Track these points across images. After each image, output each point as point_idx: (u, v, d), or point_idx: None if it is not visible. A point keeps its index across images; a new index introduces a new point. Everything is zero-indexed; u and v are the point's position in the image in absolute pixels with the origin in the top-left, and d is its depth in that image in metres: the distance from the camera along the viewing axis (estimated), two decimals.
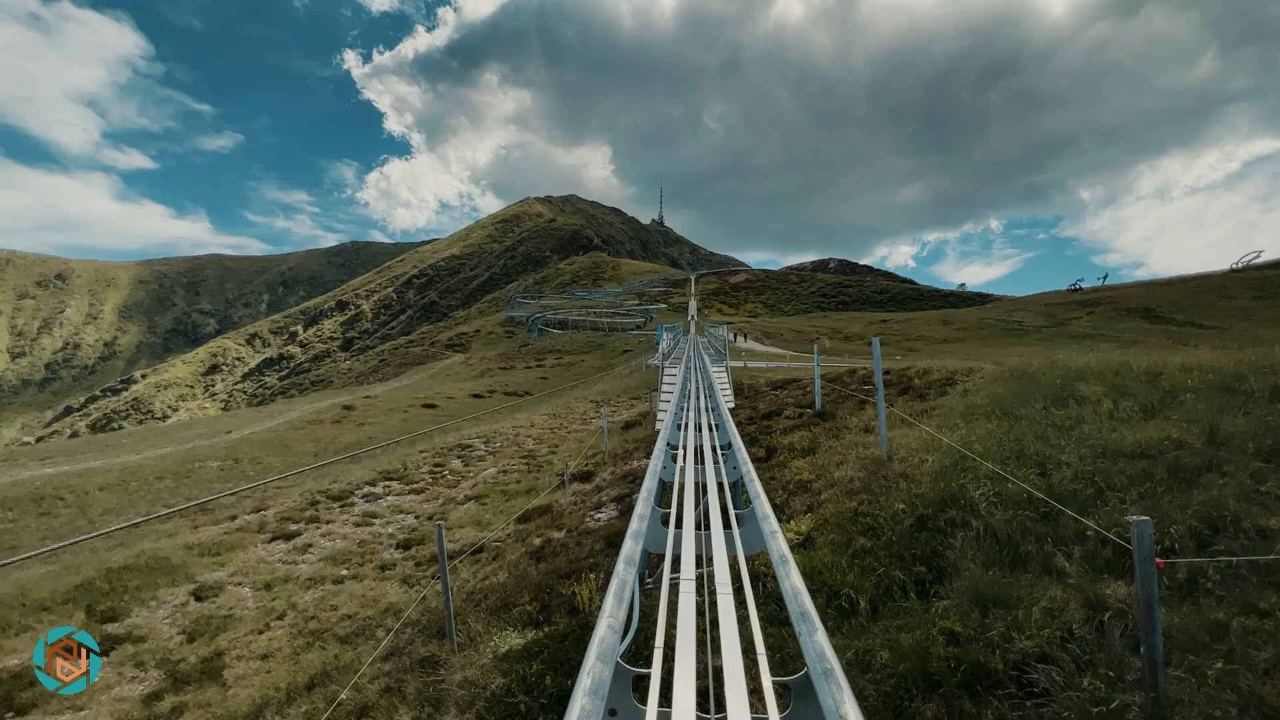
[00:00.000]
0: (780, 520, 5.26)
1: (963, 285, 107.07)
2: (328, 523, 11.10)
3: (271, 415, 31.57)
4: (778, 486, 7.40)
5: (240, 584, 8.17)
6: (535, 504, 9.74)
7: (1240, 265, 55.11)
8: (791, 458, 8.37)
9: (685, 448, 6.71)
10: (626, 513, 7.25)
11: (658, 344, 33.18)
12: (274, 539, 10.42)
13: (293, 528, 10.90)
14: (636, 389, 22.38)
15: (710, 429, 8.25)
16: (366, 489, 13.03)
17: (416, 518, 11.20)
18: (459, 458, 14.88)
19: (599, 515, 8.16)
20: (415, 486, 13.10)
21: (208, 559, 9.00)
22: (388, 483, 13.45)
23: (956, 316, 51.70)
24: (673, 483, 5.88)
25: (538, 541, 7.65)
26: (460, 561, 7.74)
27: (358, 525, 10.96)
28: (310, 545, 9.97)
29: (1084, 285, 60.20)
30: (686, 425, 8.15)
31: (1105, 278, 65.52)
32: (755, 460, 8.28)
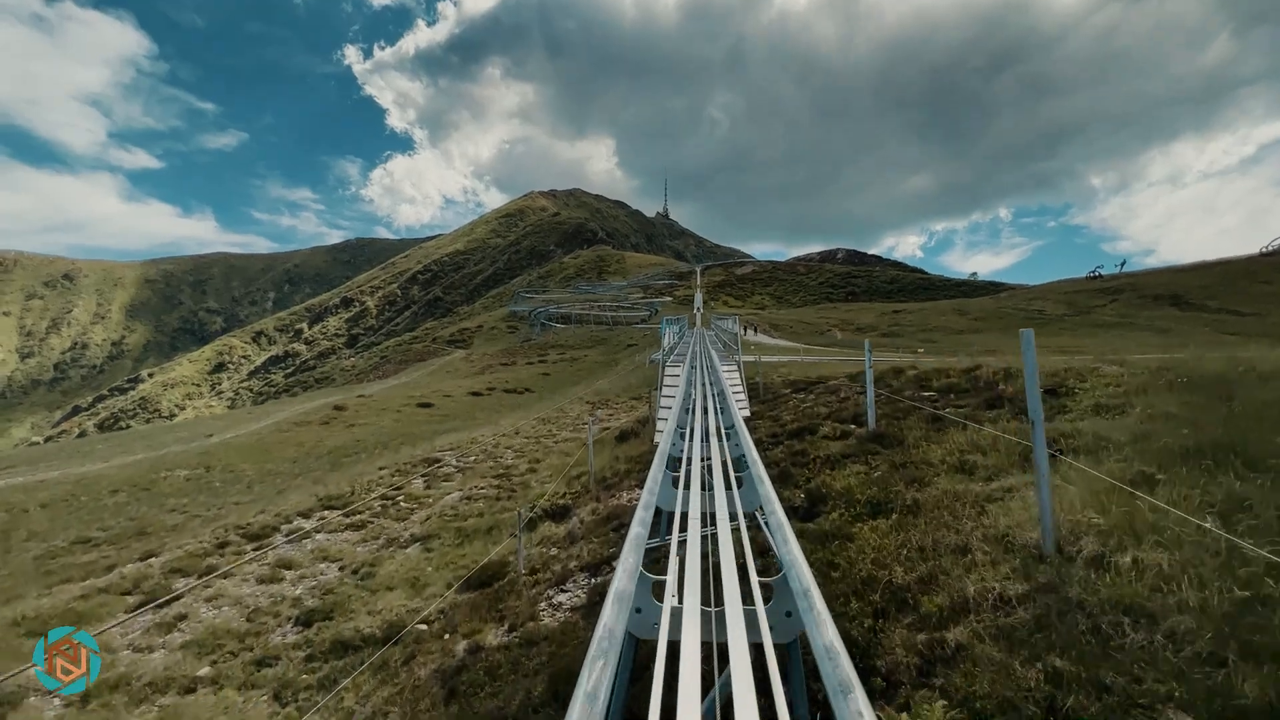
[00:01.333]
0: (870, 679, 3.23)
1: (974, 274, 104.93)
2: (225, 577, 8.94)
3: (260, 416, 30.39)
4: (843, 586, 4.24)
5: (41, 694, 5.66)
6: (489, 558, 7.74)
7: (1270, 249, 52.98)
8: (853, 519, 5.38)
9: (690, 482, 5.01)
10: (599, 599, 5.21)
11: (661, 338, 31.82)
12: (143, 605, 8.18)
13: (178, 585, 8.77)
14: (638, 387, 20.94)
15: (719, 441, 6.45)
16: (297, 522, 11.15)
17: (341, 569, 9.18)
18: (423, 476, 13.00)
19: (560, 598, 6.14)
20: (356, 520, 11.07)
21: (29, 642, 6.66)
22: (325, 513, 11.54)
23: (971, 306, 49.93)
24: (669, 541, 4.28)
25: (461, 649, 5.54)
26: (363, 669, 5.69)
27: (261, 583, 8.86)
28: (185, 617, 7.88)
29: (1104, 273, 58.29)
30: (691, 434, 6.63)
31: (1124, 264, 63.55)
32: (792, 511, 5.97)
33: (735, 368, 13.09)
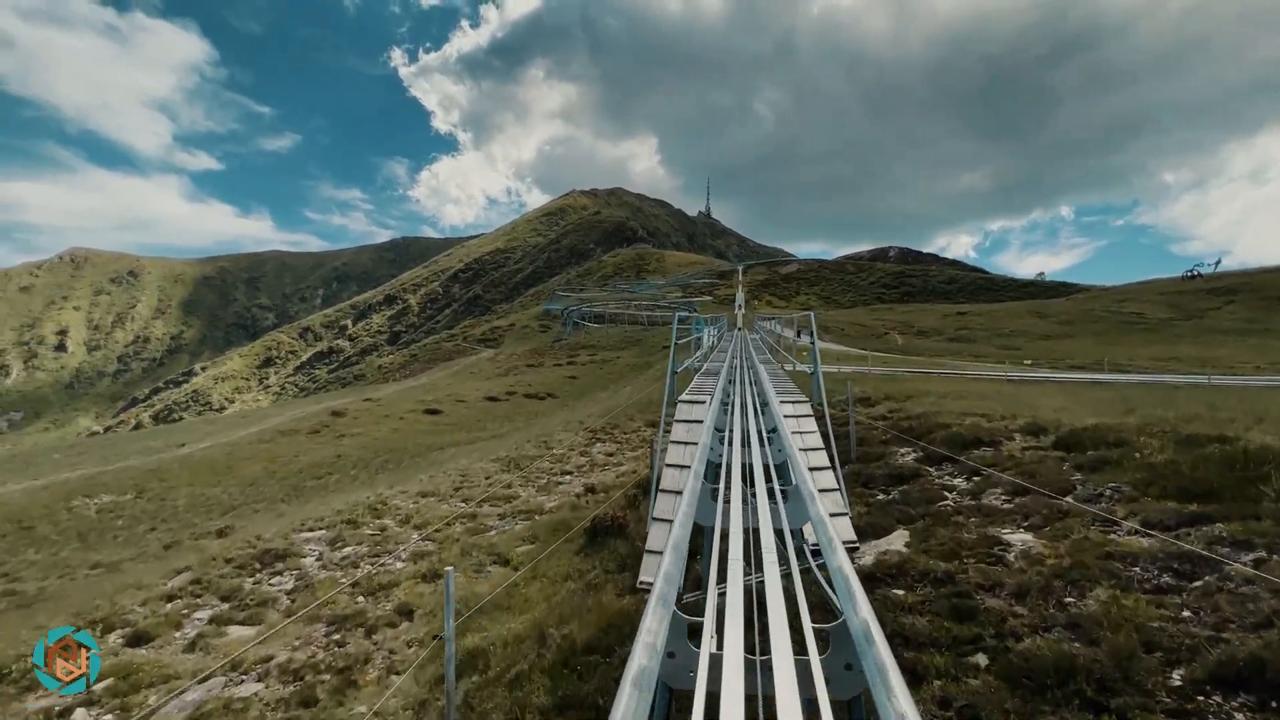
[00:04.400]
0: None
1: (1041, 274, 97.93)
2: None
3: (257, 420, 28.04)
4: None
5: None
6: None
7: None
8: None
9: None
10: None
11: (696, 336, 27.39)
12: None
13: None
14: (659, 405, 17.08)
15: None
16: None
17: None
18: (233, 602, 7.90)
19: None
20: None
21: None
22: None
23: (1049, 309, 44.34)
24: None
25: None
26: None
27: None
28: None
29: (1203, 272, 51.63)
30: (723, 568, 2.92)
31: (1218, 263, 56.52)
32: None
33: (799, 401, 7.89)
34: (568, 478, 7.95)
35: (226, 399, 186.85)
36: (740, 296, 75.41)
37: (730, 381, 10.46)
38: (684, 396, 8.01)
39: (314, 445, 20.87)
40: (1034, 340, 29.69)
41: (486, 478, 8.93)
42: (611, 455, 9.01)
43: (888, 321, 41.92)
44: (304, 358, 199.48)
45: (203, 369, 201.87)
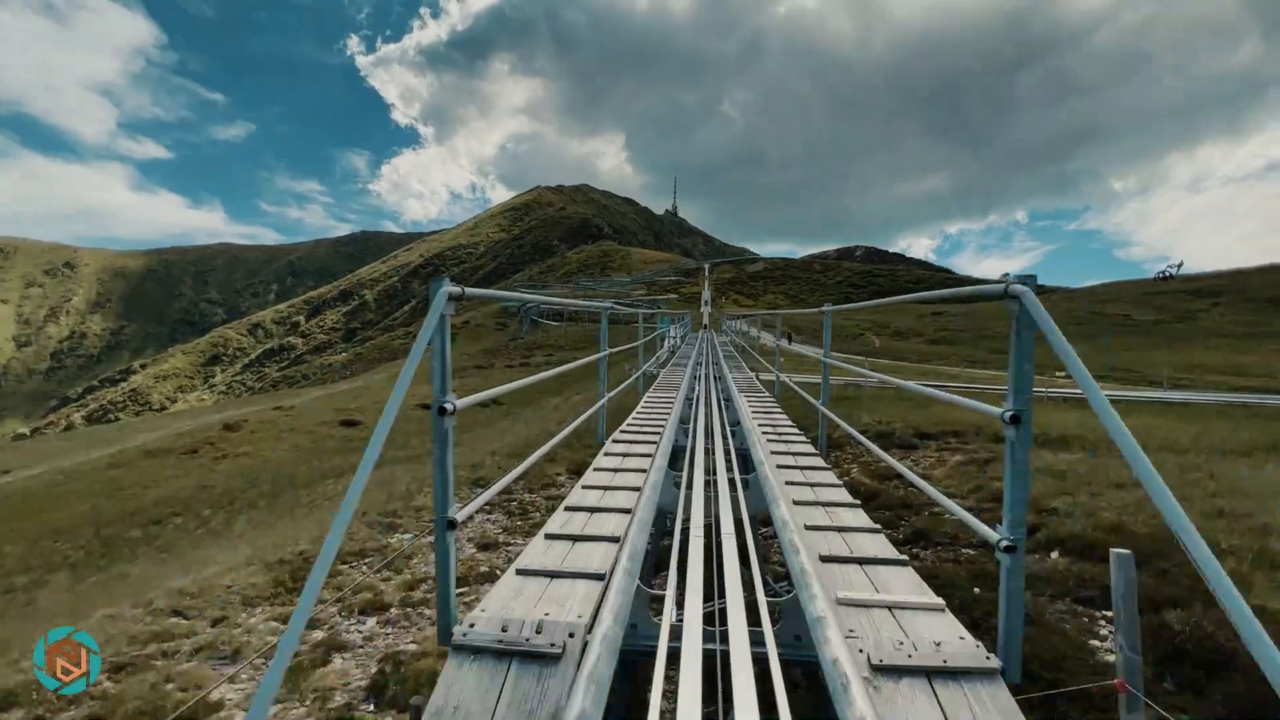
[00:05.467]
0: None
1: (1006, 275, 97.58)
2: None
3: (133, 434, 23.68)
4: None
5: None
6: None
7: None
8: None
9: None
10: None
11: (661, 338, 23.84)
12: None
13: None
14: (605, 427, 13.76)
15: None
16: None
17: None
18: None
19: None
20: None
21: None
22: None
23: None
24: None
25: None
26: None
27: None
28: None
29: (1174, 274, 50.56)
30: None
31: (1180, 265, 55.92)
32: None
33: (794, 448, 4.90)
34: (357, 629, 4.07)
35: (168, 398, 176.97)
36: (707, 293, 72.59)
37: (691, 400, 7.12)
38: (613, 442, 4.84)
39: (179, 472, 16.85)
40: None
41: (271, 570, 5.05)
42: (490, 551, 5.22)
43: (861, 321, 39.31)
44: (253, 355, 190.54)
45: (142, 366, 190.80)
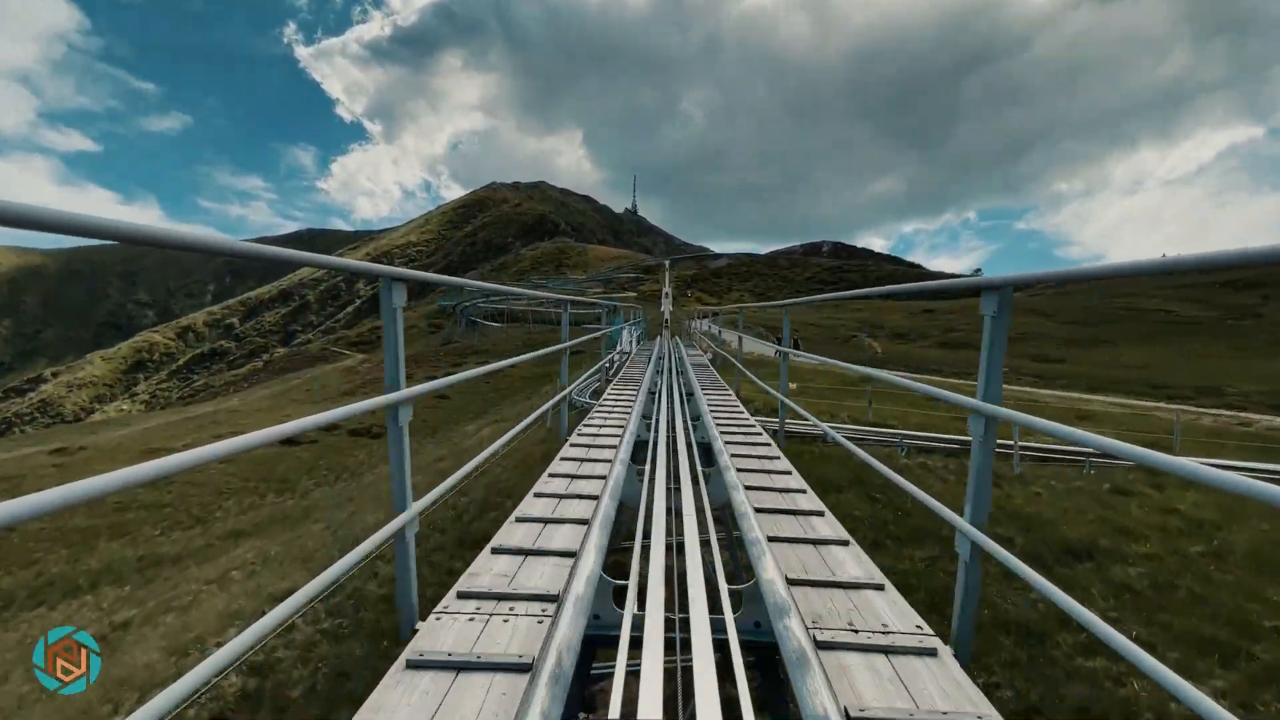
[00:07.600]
0: None
1: (977, 270, 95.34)
2: None
3: None
4: None
5: None
6: None
7: None
8: None
9: None
10: None
11: (614, 344, 17.21)
12: None
13: None
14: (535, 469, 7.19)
15: None
16: None
17: None
18: None
19: None
20: None
21: None
22: None
23: (1049, 305, 36.83)
24: None
25: None
26: None
27: None
28: None
29: None
30: None
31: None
32: None
33: None
34: None
35: (83, 409, 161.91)
36: (668, 287, 66.28)
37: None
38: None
39: None
40: (1062, 346, 21.85)
41: None
42: None
43: (848, 321, 33.49)
44: (181, 361, 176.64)
45: (54, 375, 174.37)
